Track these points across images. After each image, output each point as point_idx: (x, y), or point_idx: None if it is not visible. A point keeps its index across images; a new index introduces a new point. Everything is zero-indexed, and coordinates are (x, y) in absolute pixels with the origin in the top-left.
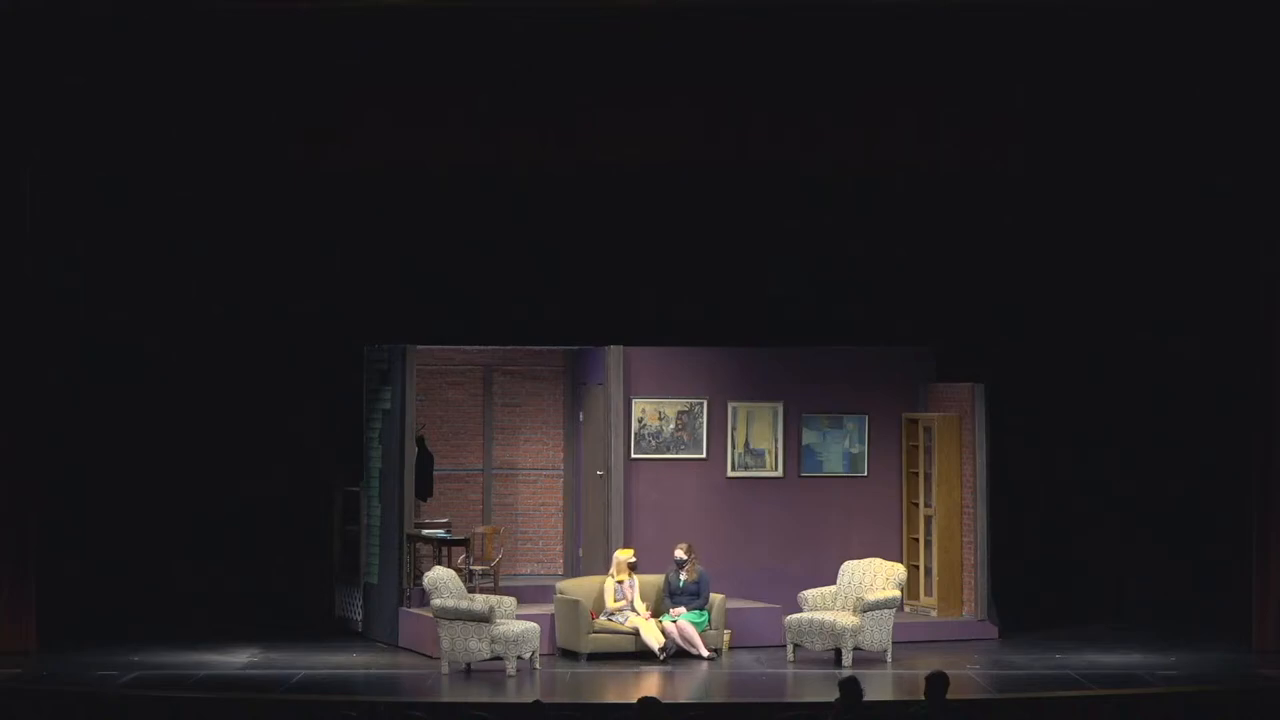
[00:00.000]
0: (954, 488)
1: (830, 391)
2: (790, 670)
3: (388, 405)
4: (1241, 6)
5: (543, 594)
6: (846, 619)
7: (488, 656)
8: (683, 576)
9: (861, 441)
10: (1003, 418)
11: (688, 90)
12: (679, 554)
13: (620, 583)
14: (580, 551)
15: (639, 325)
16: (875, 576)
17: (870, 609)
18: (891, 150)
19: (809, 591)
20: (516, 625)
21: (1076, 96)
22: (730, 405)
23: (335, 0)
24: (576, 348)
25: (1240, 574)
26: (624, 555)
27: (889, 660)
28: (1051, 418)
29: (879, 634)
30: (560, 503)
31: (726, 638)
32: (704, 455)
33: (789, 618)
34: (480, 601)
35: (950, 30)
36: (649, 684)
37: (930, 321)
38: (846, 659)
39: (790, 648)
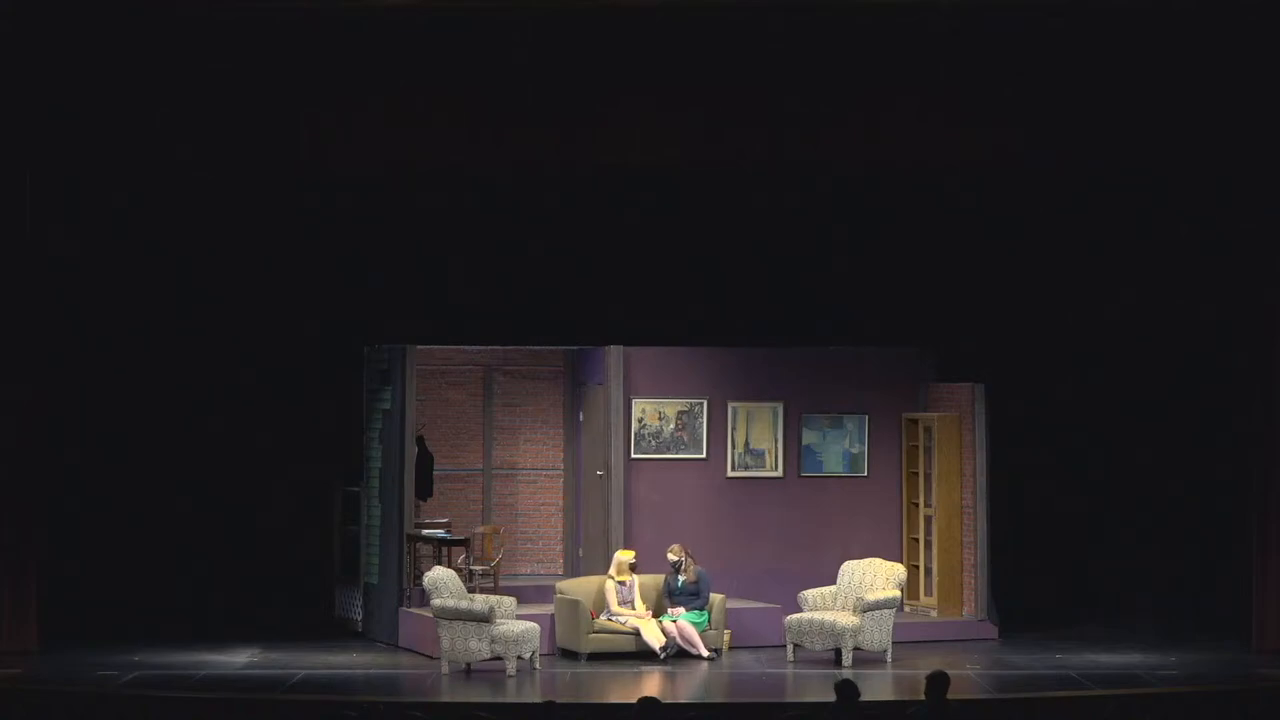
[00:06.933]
0: (954, 488)
1: (830, 391)
2: (790, 670)
3: (388, 405)
4: (1245, 7)
5: (543, 594)
6: (846, 619)
7: (488, 656)
8: (681, 578)
9: (861, 441)
10: (1003, 418)
11: (688, 90)
12: (672, 556)
13: (622, 583)
14: (580, 551)
15: (639, 325)
16: (875, 576)
17: (870, 609)
18: (892, 150)
19: (809, 591)
20: (516, 625)
21: (1079, 96)
22: (730, 405)
23: (336, 1)
24: (576, 348)
25: (1240, 574)
26: (625, 556)
27: (889, 660)
28: (1051, 417)
29: (879, 634)
30: (560, 503)
31: (726, 638)
32: (704, 455)
33: (789, 618)
34: (480, 601)
35: (951, 30)
36: (649, 684)
37: (930, 321)
38: (846, 659)
39: (790, 648)
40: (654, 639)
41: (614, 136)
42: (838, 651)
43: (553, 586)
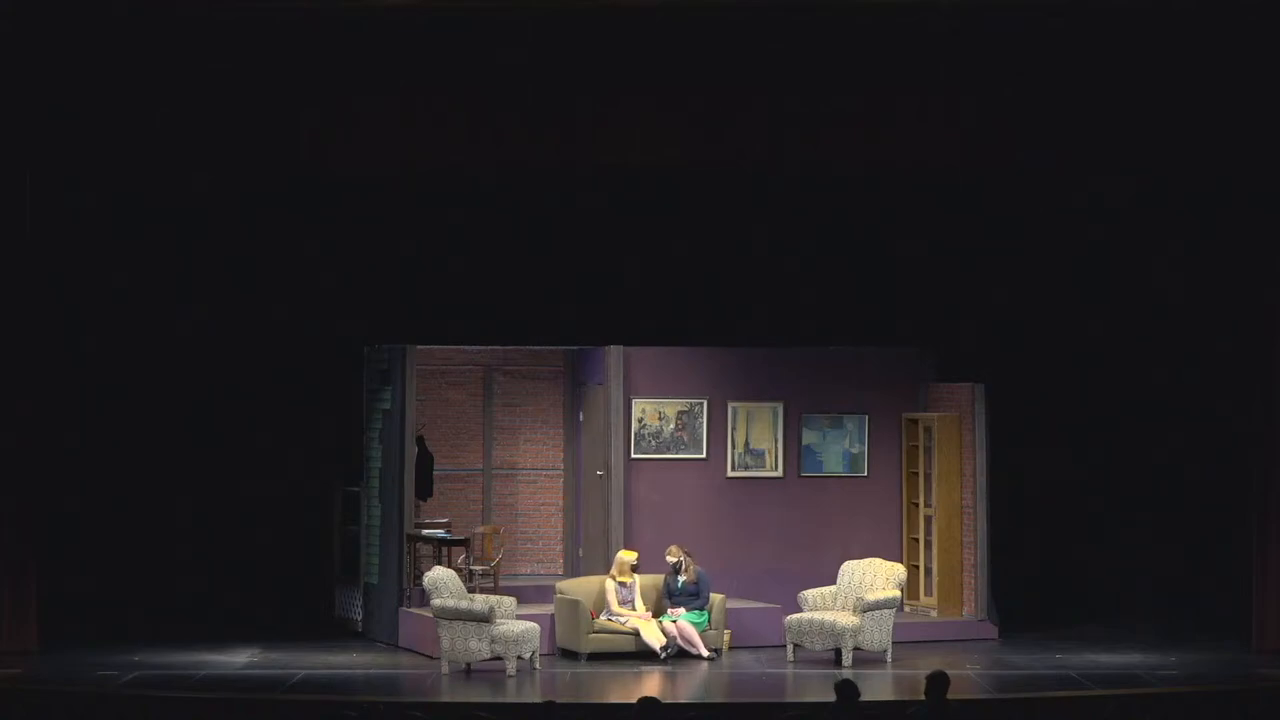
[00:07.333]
0: (954, 488)
1: (830, 391)
2: (790, 670)
3: (388, 405)
4: (1245, 7)
5: (543, 594)
6: (846, 619)
7: (488, 656)
8: (680, 579)
9: (861, 441)
10: (1003, 418)
11: (688, 90)
12: (671, 558)
13: (622, 584)
14: (580, 551)
15: (639, 325)
16: (875, 576)
17: (870, 609)
18: (892, 150)
19: (809, 591)
20: (516, 625)
21: (1079, 96)
22: (730, 405)
23: (336, 1)
24: (576, 348)
25: (1240, 574)
26: (627, 556)
27: (889, 660)
28: (1051, 418)
29: (879, 634)
30: (560, 503)
31: (726, 638)
32: (704, 455)
33: (789, 618)
34: (480, 601)
35: (951, 30)
36: (649, 684)
37: (930, 322)
38: (846, 659)
39: (790, 648)
40: (654, 639)
41: (614, 136)
42: (838, 651)
43: (553, 586)
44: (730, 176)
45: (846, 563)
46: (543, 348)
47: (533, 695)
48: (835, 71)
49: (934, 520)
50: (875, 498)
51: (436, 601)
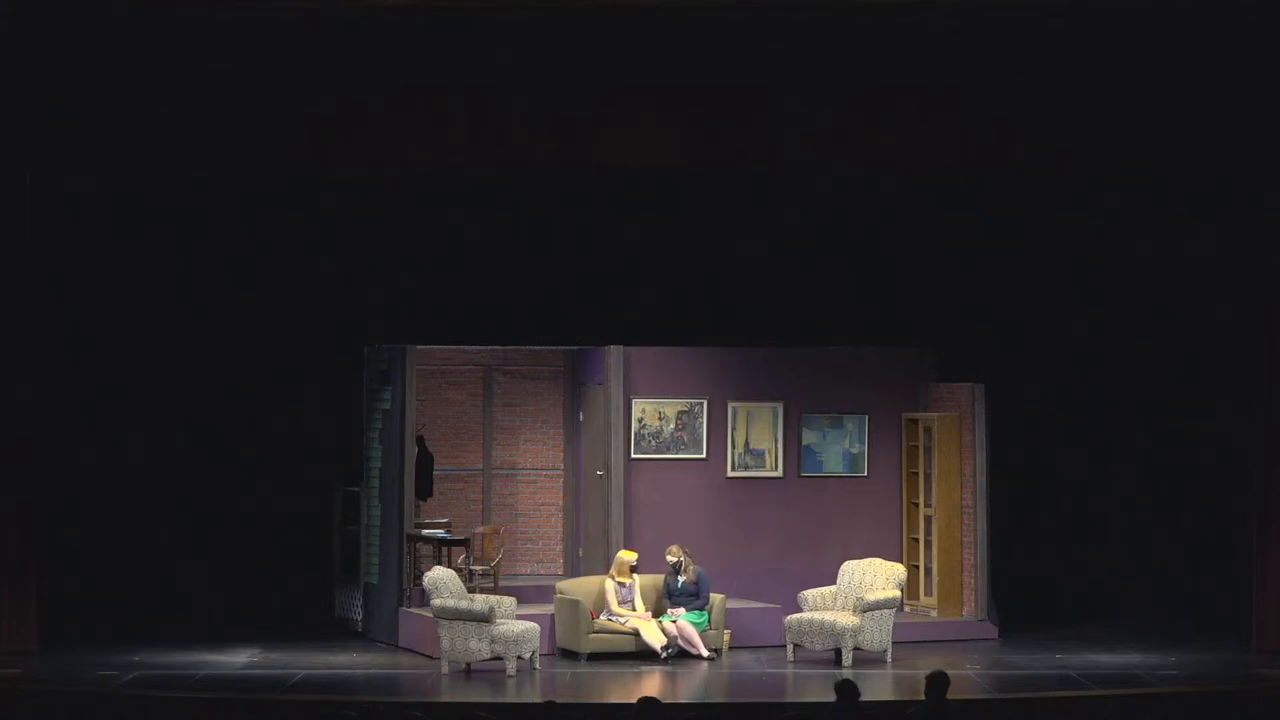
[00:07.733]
0: (954, 488)
1: (830, 391)
2: (790, 670)
3: (388, 405)
4: (1245, 7)
5: (543, 594)
6: (846, 619)
7: (488, 656)
8: (680, 579)
9: (861, 441)
10: (1003, 418)
11: (688, 90)
12: (671, 558)
13: (622, 584)
14: (580, 551)
15: (639, 325)
16: (875, 576)
17: (870, 609)
18: (892, 150)
19: (809, 591)
20: (516, 625)
21: (1079, 96)
22: (730, 405)
23: (336, 1)
24: (576, 348)
25: (1240, 574)
26: (628, 557)
27: (889, 660)
28: (1052, 418)
29: (879, 634)
30: (560, 503)
31: (726, 638)
32: (704, 455)
33: (789, 618)
34: (480, 601)
35: (951, 30)
36: (649, 684)
37: (930, 321)
38: (846, 659)
39: (790, 648)
40: (654, 639)
41: (614, 136)
42: (838, 651)
43: (553, 586)
44: (730, 176)
45: (846, 563)
46: (543, 348)
47: (533, 695)
48: (835, 71)
49: (934, 520)
50: (875, 498)
51: (436, 601)
